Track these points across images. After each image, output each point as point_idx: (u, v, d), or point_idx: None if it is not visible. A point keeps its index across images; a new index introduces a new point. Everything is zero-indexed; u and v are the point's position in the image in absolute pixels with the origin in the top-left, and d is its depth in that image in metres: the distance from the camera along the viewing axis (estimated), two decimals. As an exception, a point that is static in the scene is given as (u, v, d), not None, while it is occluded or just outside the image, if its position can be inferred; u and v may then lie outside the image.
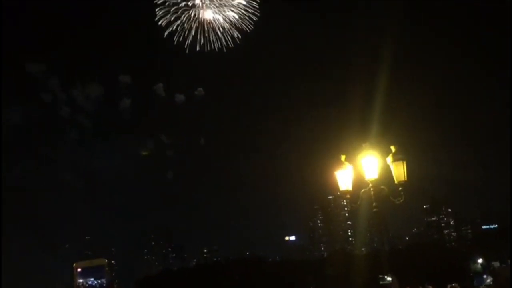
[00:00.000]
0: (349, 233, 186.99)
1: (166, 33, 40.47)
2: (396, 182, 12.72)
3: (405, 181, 12.67)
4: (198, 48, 38.99)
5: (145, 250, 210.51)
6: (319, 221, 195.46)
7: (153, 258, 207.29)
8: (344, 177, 13.23)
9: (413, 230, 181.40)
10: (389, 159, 12.76)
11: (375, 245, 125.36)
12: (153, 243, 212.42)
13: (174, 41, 39.83)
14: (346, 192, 13.30)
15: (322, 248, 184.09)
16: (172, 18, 39.45)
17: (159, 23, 39.25)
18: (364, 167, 12.98)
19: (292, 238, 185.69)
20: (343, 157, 13.28)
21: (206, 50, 39.65)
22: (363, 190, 13.14)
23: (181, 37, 39.86)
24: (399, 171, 12.69)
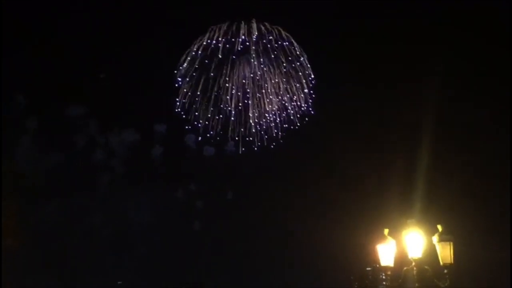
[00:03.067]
0: None
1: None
2: (441, 264, 12.01)
3: (451, 264, 11.94)
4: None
5: None
6: None
7: None
8: (386, 252, 12.66)
9: None
10: (435, 238, 12.13)
11: None
12: None
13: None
14: (387, 268, 12.67)
15: None
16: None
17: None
18: (407, 244, 12.38)
19: None
20: (386, 231, 12.78)
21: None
22: (405, 268, 12.49)
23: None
24: (445, 253, 11.99)
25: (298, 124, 34.38)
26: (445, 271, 11.94)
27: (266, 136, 34.73)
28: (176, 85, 35.58)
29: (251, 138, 34.76)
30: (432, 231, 12.20)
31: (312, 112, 33.62)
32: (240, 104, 34.93)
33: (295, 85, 34.83)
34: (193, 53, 34.91)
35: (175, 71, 34.71)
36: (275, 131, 34.53)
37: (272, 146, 33.98)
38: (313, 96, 34.23)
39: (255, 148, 34.95)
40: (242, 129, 34.85)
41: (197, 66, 34.89)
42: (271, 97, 35.00)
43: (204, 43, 34.55)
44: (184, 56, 35.25)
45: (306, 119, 33.75)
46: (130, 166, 37.18)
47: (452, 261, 11.94)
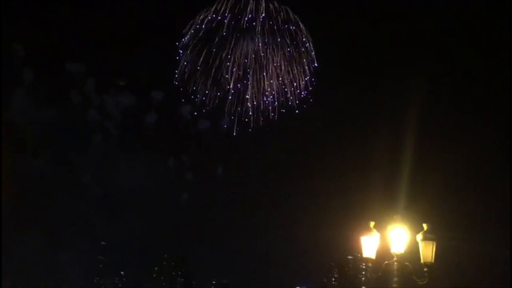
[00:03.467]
0: None
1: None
2: (422, 261, 12.18)
3: (431, 263, 12.11)
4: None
5: (155, 268, 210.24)
6: (333, 279, 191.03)
7: (162, 278, 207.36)
8: (369, 244, 12.81)
9: None
10: (419, 236, 12.27)
11: None
12: (164, 263, 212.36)
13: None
14: (369, 259, 12.83)
15: None
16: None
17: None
18: (391, 238, 12.52)
19: None
20: (371, 223, 12.90)
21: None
22: (386, 262, 12.65)
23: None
24: (427, 251, 12.14)
25: (296, 109, 34.26)
26: (425, 269, 12.13)
27: (261, 118, 34.57)
28: (177, 56, 35.07)
29: (246, 119, 34.60)
30: (416, 228, 12.34)
31: (311, 100, 33.48)
32: (239, 82, 34.59)
33: (297, 69, 34.49)
34: (197, 25, 34.33)
35: (177, 43, 34.20)
36: (272, 113, 34.37)
37: (266, 129, 33.85)
38: (314, 82, 33.97)
39: (249, 129, 34.83)
40: (238, 108, 34.66)
41: (199, 39, 34.34)
42: (271, 79, 34.68)
43: (209, 16, 33.91)
44: (187, 27, 34.68)
45: (304, 106, 33.58)
46: (124, 129, 37.06)
47: (433, 260, 12.11)
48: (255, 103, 34.04)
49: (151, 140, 37.65)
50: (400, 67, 29.24)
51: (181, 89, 34.49)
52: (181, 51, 34.93)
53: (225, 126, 35.59)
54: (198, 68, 33.98)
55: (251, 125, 34.12)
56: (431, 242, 12.14)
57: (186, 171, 37.09)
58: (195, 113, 36.10)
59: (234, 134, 34.60)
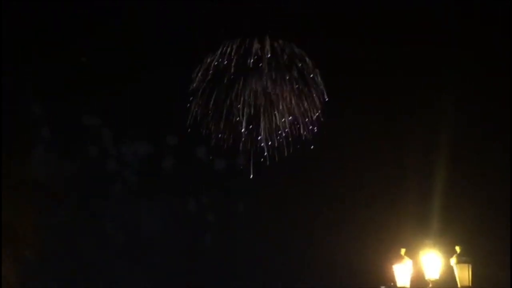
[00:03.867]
0: None
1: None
2: (459, 286, 11.92)
3: (469, 286, 11.84)
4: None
5: None
6: None
7: None
8: (402, 272, 12.60)
9: None
10: (453, 260, 12.05)
11: None
12: None
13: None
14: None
15: None
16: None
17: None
18: (424, 264, 12.32)
19: None
20: (403, 250, 12.73)
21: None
22: (422, 289, 12.41)
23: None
24: (463, 275, 11.92)
25: (311, 141, 34.40)
26: (464, 293, 11.85)
27: (276, 153, 34.70)
28: (188, 103, 35.72)
29: (261, 158, 34.82)
30: (450, 252, 12.14)
31: (325, 131, 33.44)
32: (251, 122, 35.00)
33: (308, 103, 34.86)
34: (204, 69, 35.21)
35: (188, 87, 34.92)
36: (286, 147, 34.49)
37: (283, 162, 33.96)
38: (325, 113, 34.09)
39: (267, 163, 34.96)
40: (253, 145, 34.95)
41: (208, 82, 35.08)
42: (282, 115, 35.08)
43: (215, 60, 34.78)
44: (196, 71, 35.46)
45: (319, 136, 33.66)
46: (142, 176, 37.28)
47: (471, 284, 11.85)
48: (269, 141, 34.30)
49: (169, 185, 37.80)
50: (424, 90, 29.03)
51: (195, 133, 35.01)
52: (191, 94, 35.62)
53: (241, 166, 35.68)
54: (209, 112, 34.52)
55: (267, 163, 34.28)
56: (466, 265, 11.94)
57: (207, 212, 37.00)
58: (210, 156, 36.29)
59: (251, 174, 34.74)
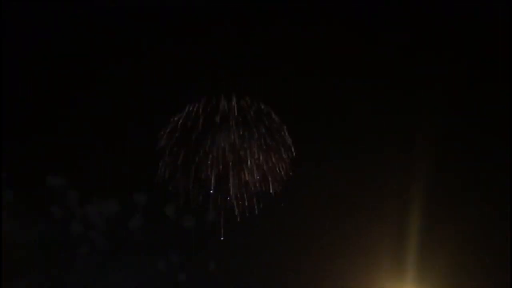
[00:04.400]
0: None
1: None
2: None
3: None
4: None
5: None
6: None
7: None
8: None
9: None
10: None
11: None
12: None
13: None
14: None
15: None
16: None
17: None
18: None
19: None
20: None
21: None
22: None
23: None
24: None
25: (280, 196, 34.62)
26: None
27: (246, 210, 34.72)
28: (155, 160, 35.69)
29: (232, 211, 34.74)
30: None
31: (294, 183, 33.81)
32: (220, 178, 35.14)
33: (276, 157, 35.31)
34: (172, 127, 35.51)
35: (154, 145, 34.98)
36: (256, 203, 34.54)
37: (255, 215, 33.88)
38: (293, 167, 34.56)
39: (237, 219, 34.80)
40: (222, 202, 34.90)
41: (176, 140, 35.31)
42: (251, 170, 35.35)
43: (182, 119, 35.24)
44: (163, 130, 35.71)
45: (288, 188, 33.93)
46: (110, 238, 36.54)
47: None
48: (238, 195, 34.36)
49: (139, 245, 37.08)
50: (389, 134, 29.70)
51: (164, 191, 34.87)
52: (159, 152, 35.69)
53: (211, 222, 35.58)
54: (178, 170, 34.59)
55: (238, 219, 34.17)
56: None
57: (179, 272, 36.31)
58: (179, 213, 36.08)
59: (222, 232, 34.55)
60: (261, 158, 36.00)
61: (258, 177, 35.09)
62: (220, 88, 33.33)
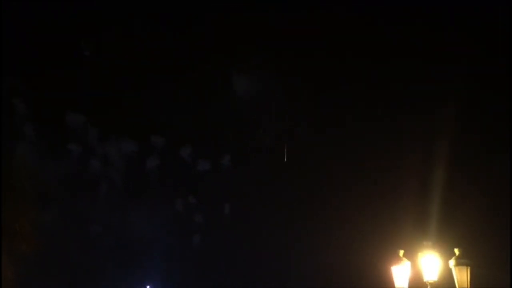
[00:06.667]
0: None
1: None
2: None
3: (467, 288, 11.75)
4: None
5: None
6: None
7: None
8: (400, 274, 12.51)
9: None
10: (452, 262, 11.96)
11: None
12: None
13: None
14: (401, 290, 12.48)
15: None
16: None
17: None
18: (423, 266, 12.22)
19: None
20: (401, 252, 12.64)
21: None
22: (420, 291, 12.31)
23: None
24: (461, 277, 11.83)
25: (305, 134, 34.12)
26: (462, 295, 11.75)
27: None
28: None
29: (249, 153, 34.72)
30: (449, 254, 12.06)
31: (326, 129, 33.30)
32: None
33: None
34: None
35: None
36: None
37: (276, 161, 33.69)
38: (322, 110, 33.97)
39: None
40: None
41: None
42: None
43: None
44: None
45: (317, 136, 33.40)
46: (128, 176, 36.92)
47: (469, 286, 11.76)
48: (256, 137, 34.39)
49: (156, 186, 37.52)
50: (426, 85, 29.19)
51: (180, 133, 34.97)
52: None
53: (227, 164, 35.79)
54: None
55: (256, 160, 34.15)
56: (465, 267, 11.84)
57: (195, 213, 36.73)
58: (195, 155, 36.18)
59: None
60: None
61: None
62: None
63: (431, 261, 12.13)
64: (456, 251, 11.99)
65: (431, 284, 12.06)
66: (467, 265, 11.85)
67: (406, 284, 12.51)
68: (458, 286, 11.79)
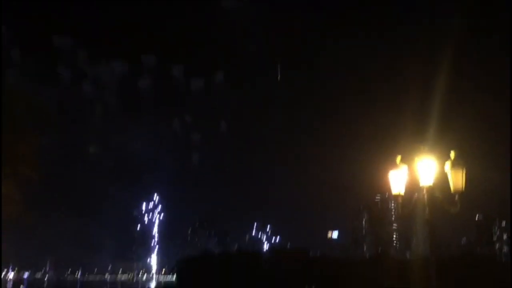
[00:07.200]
0: (394, 236, 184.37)
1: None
2: (452, 190, 12.15)
3: (462, 190, 12.08)
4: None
5: (189, 231, 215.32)
6: (363, 221, 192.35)
7: (196, 239, 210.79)
8: (397, 179, 12.75)
9: (462, 240, 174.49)
10: (448, 165, 12.20)
11: (420, 252, 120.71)
12: (197, 225, 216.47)
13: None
14: (398, 195, 12.81)
15: (364, 249, 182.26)
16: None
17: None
18: (419, 171, 12.46)
19: (334, 235, 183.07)
20: (398, 158, 12.80)
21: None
22: (416, 195, 12.63)
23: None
24: (457, 179, 12.08)
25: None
26: (456, 197, 12.09)
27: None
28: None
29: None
30: (445, 157, 12.24)
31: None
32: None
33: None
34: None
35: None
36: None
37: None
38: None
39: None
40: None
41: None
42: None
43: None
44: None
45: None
46: (122, 97, 36.87)
47: (464, 187, 12.05)
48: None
49: (151, 106, 37.63)
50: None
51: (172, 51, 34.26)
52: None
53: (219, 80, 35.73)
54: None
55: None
56: (460, 170, 12.03)
57: (192, 131, 37.17)
58: (188, 74, 35.91)
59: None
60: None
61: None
62: None
63: (427, 165, 12.31)
64: (452, 153, 12.15)
65: (426, 188, 12.31)
66: (462, 166, 12.07)
67: (403, 189, 12.78)
68: (453, 187, 12.02)
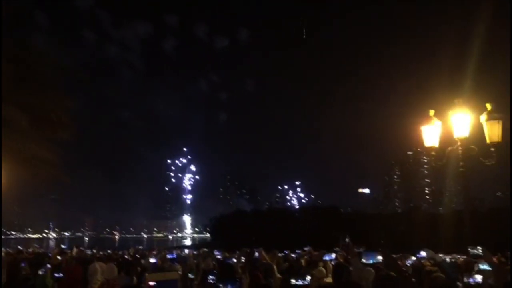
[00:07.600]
0: (426, 191, 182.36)
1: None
2: (488, 142, 11.87)
3: (498, 141, 11.79)
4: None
5: (221, 189, 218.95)
6: (395, 176, 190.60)
7: (228, 198, 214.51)
8: (430, 133, 12.53)
9: (497, 194, 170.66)
10: (483, 117, 11.88)
11: (453, 206, 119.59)
12: (228, 183, 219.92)
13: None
14: (431, 148, 12.59)
15: (397, 204, 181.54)
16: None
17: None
18: (454, 124, 12.20)
19: (366, 190, 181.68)
20: (431, 112, 12.56)
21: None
22: (450, 148, 12.42)
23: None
24: (493, 131, 11.77)
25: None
26: (492, 149, 11.83)
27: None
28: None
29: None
30: (480, 111, 11.94)
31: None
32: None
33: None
34: None
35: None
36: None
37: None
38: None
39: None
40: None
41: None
42: None
43: None
44: None
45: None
46: (148, 59, 36.83)
47: (500, 139, 11.77)
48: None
49: (177, 66, 37.44)
50: None
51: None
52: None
53: (244, 40, 35.06)
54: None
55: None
56: (496, 121, 11.74)
57: (220, 91, 37.01)
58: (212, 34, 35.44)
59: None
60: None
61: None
62: None
63: (462, 118, 12.06)
64: (488, 106, 11.85)
65: (461, 140, 12.09)
66: (498, 118, 11.76)
67: (436, 142, 12.58)
68: (489, 139, 11.78)
